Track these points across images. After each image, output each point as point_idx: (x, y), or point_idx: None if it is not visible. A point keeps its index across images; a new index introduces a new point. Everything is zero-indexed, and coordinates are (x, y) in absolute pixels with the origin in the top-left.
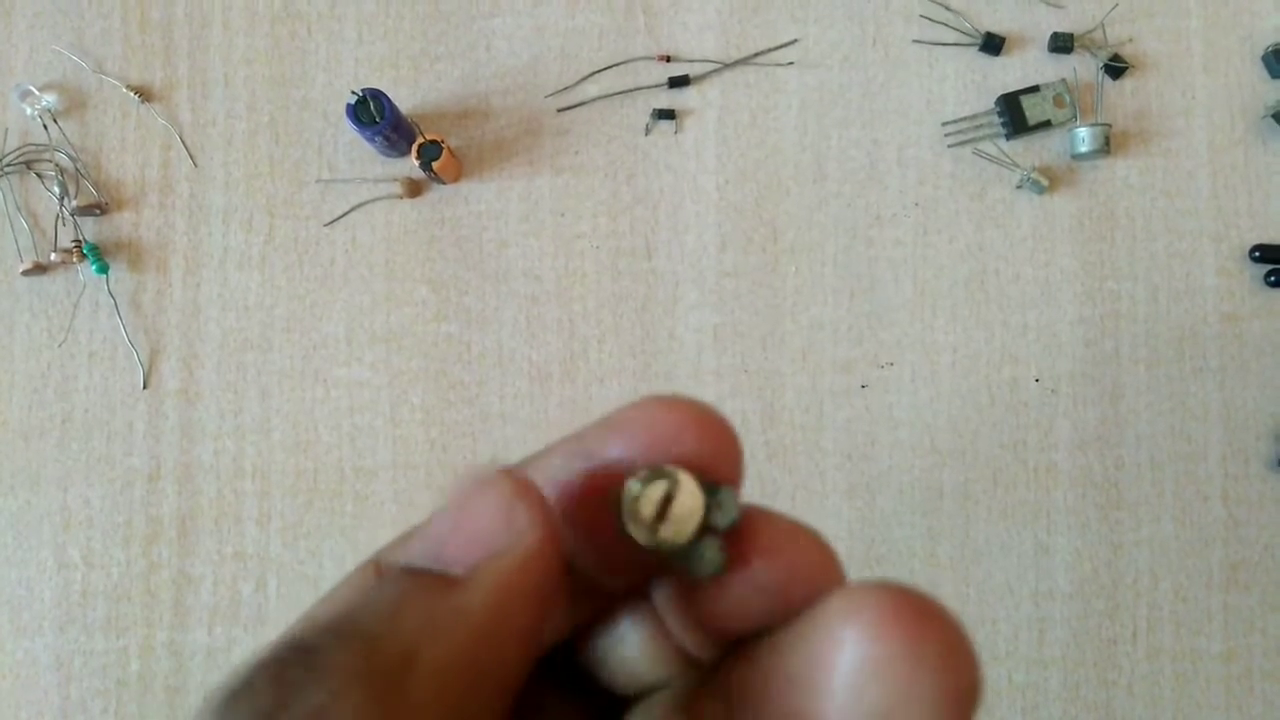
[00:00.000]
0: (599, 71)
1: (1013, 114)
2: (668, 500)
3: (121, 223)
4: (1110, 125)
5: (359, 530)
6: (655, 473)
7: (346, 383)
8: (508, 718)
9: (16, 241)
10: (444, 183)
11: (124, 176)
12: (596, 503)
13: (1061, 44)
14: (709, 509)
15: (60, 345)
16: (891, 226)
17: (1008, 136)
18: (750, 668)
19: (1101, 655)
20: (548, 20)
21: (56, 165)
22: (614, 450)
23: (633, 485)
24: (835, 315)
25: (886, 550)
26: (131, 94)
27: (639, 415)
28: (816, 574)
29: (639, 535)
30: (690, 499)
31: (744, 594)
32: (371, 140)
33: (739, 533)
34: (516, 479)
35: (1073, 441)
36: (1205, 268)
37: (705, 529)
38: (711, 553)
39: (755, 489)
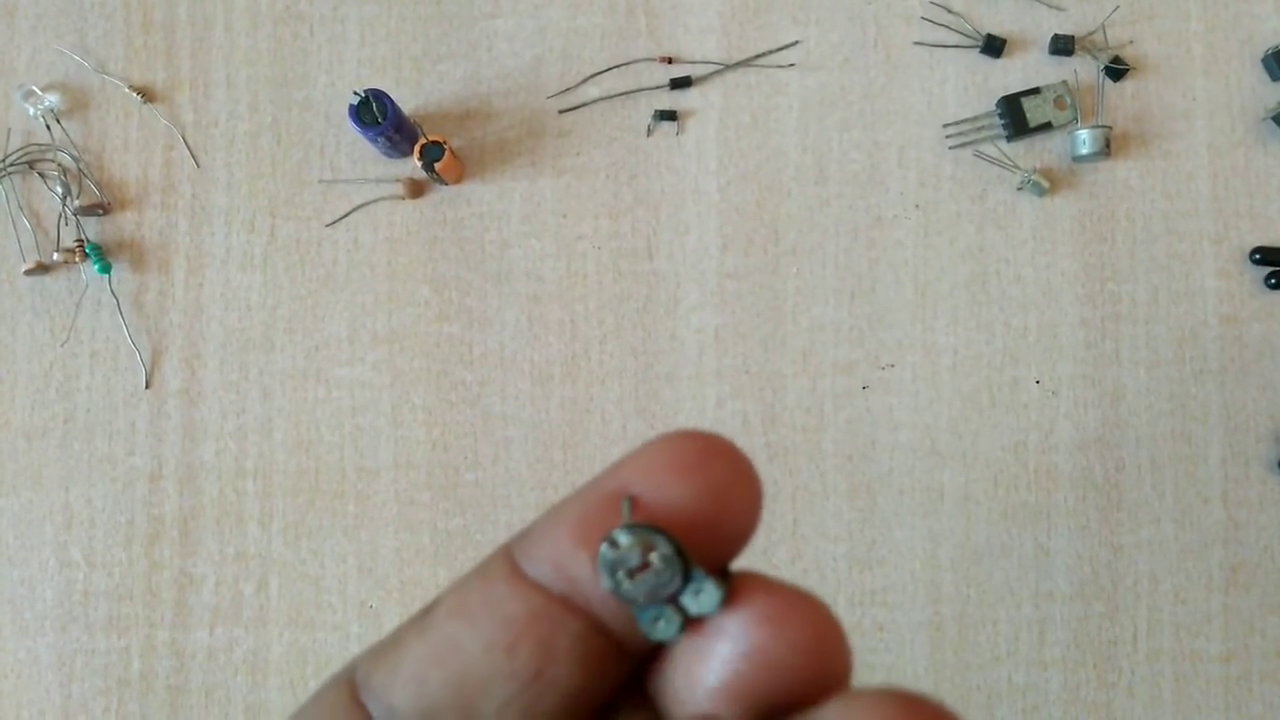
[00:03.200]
0: (601, 73)
1: (1014, 116)
2: (647, 564)
3: (124, 223)
4: (1111, 127)
5: (360, 530)
6: (643, 534)
7: (348, 383)
8: None
9: (19, 241)
10: (446, 183)
11: (126, 176)
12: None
13: (1062, 46)
14: (683, 591)
15: (63, 345)
16: (892, 228)
17: (1009, 138)
18: None
19: (1101, 656)
20: (550, 21)
21: (59, 165)
22: (633, 484)
23: (620, 536)
24: (836, 316)
25: (887, 551)
26: (134, 94)
27: (662, 446)
28: (812, 659)
29: (603, 582)
30: (666, 573)
31: (733, 672)
32: (374, 141)
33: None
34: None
35: (1073, 443)
36: (1206, 270)
37: (674, 604)
38: (668, 621)
39: None
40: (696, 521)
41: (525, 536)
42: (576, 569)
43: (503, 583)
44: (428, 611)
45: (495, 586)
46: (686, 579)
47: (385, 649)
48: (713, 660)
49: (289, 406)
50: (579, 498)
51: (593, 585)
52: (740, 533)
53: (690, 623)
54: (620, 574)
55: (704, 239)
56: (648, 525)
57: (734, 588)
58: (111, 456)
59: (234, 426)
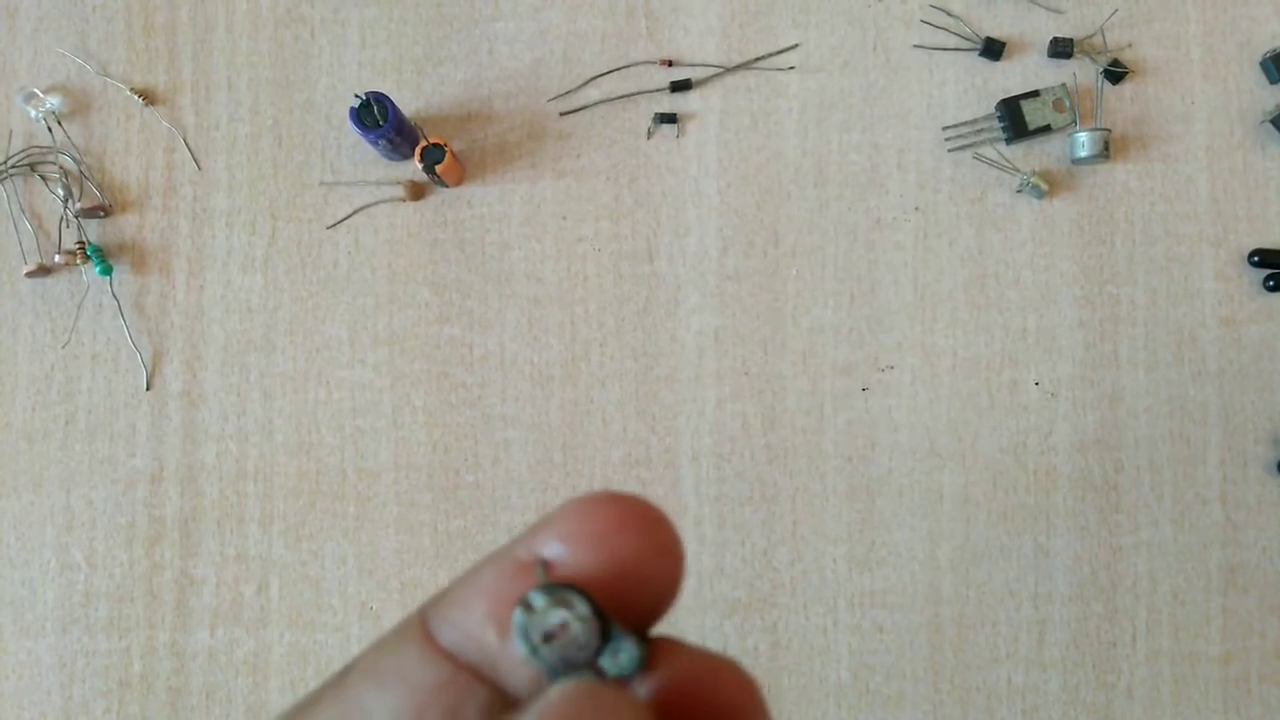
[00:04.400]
0: (601, 75)
1: (1013, 119)
2: (564, 627)
3: (125, 225)
4: (1110, 130)
5: (361, 532)
6: (560, 595)
7: (349, 384)
8: None
9: (20, 243)
10: (446, 186)
11: (128, 179)
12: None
13: (1061, 49)
14: (601, 653)
15: (64, 347)
16: (892, 230)
17: (1008, 141)
18: None
19: (1100, 658)
20: (550, 24)
21: (60, 167)
22: (546, 548)
23: (535, 598)
24: (836, 318)
25: (886, 553)
26: (135, 97)
27: (578, 509)
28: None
29: (518, 646)
30: (582, 638)
31: None
32: (374, 143)
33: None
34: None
35: (1072, 444)
36: (1204, 272)
37: (592, 667)
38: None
39: (756, 492)
40: (614, 586)
41: (440, 600)
42: (486, 638)
43: (414, 648)
44: (343, 673)
45: (407, 651)
46: (605, 639)
47: (301, 710)
48: None
49: (290, 408)
50: (492, 562)
51: (501, 654)
52: (659, 597)
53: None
54: (536, 639)
55: (704, 241)
56: (564, 584)
57: (653, 650)
58: (112, 458)
59: (235, 428)
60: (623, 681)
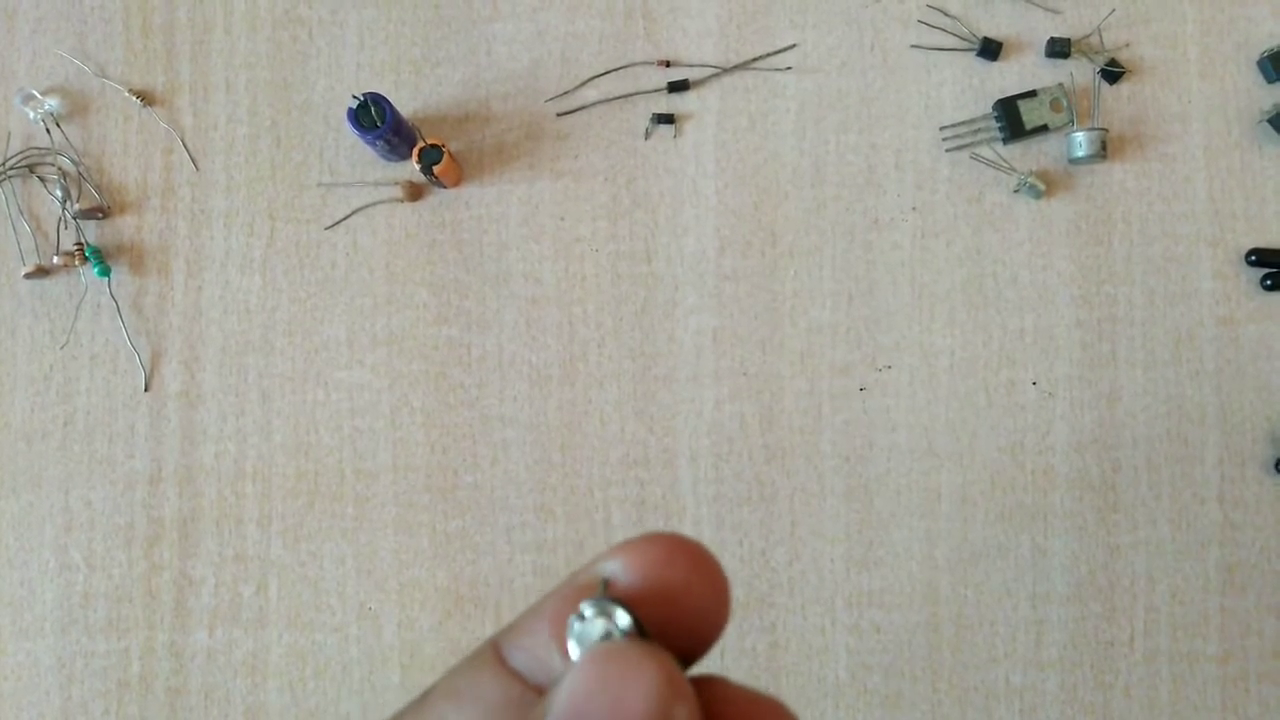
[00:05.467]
0: (599, 76)
1: (1010, 118)
2: (608, 635)
3: (123, 226)
4: (1107, 130)
5: (359, 532)
6: (606, 607)
7: (347, 385)
8: None
9: (19, 244)
10: (445, 186)
11: (126, 180)
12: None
13: (1059, 49)
14: None
15: (62, 348)
16: (889, 230)
17: (1005, 141)
18: None
19: (1098, 657)
20: (548, 25)
21: (59, 169)
22: (608, 568)
23: (586, 608)
24: (833, 318)
25: (884, 552)
26: (133, 98)
27: (636, 543)
28: None
29: (570, 649)
30: None
31: None
32: (372, 144)
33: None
34: (667, 671)
35: (1070, 444)
36: (1201, 271)
37: None
38: None
39: (753, 492)
40: (663, 611)
41: (510, 629)
42: (551, 659)
43: (488, 670)
44: (424, 696)
45: (482, 674)
46: None
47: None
48: None
49: (288, 409)
50: (558, 592)
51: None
52: (706, 627)
53: None
54: (586, 645)
55: (702, 241)
56: (610, 599)
57: (698, 681)
58: (111, 459)
59: (233, 429)
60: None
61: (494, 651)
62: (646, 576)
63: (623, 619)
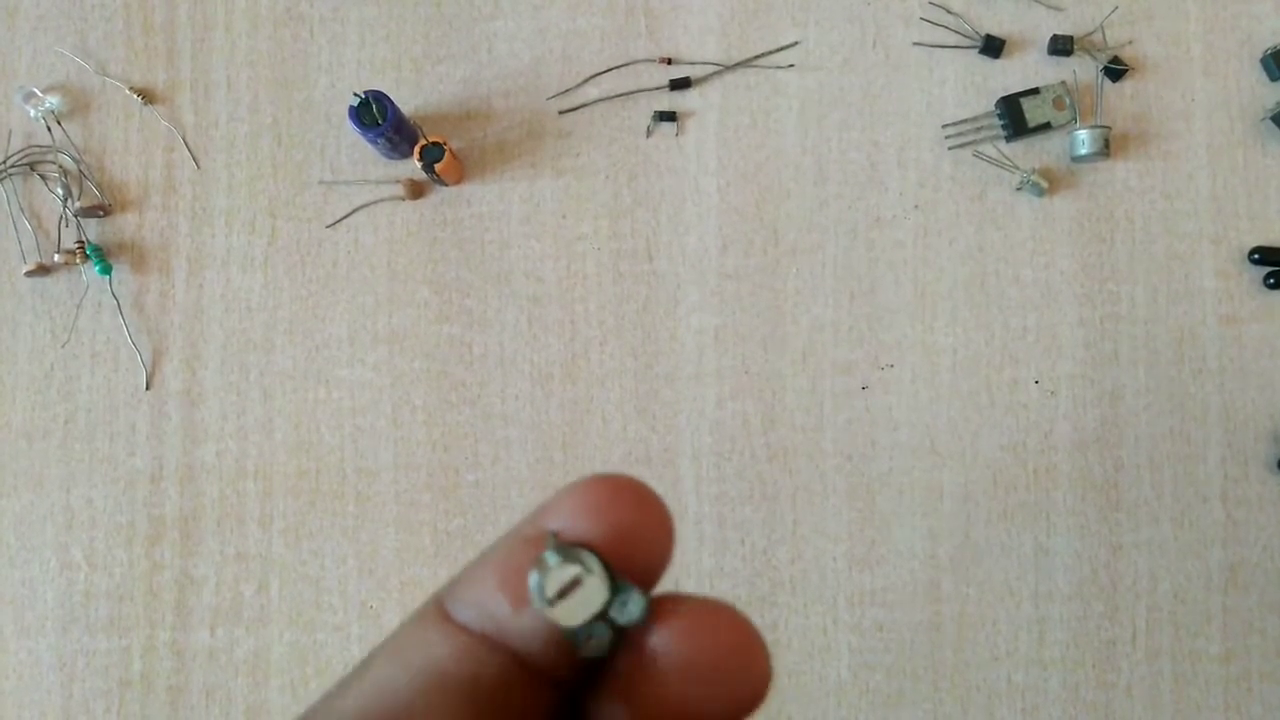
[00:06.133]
0: (600, 74)
1: (1013, 116)
2: (576, 583)
3: (124, 224)
4: (1110, 127)
5: (361, 531)
6: (572, 554)
7: (348, 384)
8: None
9: (20, 243)
10: (446, 184)
11: (127, 178)
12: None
13: (1061, 46)
14: (611, 604)
15: (63, 346)
16: (892, 228)
17: (1008, 139)
18: None
19: (1101, 656)
20: (549, 23)
21: (60, 167)
22: (552, 522)
23: (549, 558)
24: (835, 317)
25: (886, 551)
26: (135, 96)
27: (576, 490)
28: (732, 665)
29: (536, 604)
30: (594, 590)
31: (662, 688)
32: (374, 142)
33: (645, 625)
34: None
35: (1072, 443)
36: (1204, 270)
37: (603, 618)
38: (599, 636)
39: (755, 490)
40: (615, 550)
41: (453, 583)
42: (500, 609)
43: (432, 626)
44: (367, 658)
45: (426, 631)
46: (614, 591)
47: (328, 698)
48: (647, 683)
49: (289, 407)
50: (501, 543)
51: (515, 622)
52: (656, 559)
53: (621, 635)
54: (551, 595)
55: (704, 239)
56: (575, 543)
57: (656, 601)
58: (112, 457)
59: (234, 427)
60: (633, 628)
61: (438, 607)
62: (595, 519)
63: (589, 560)
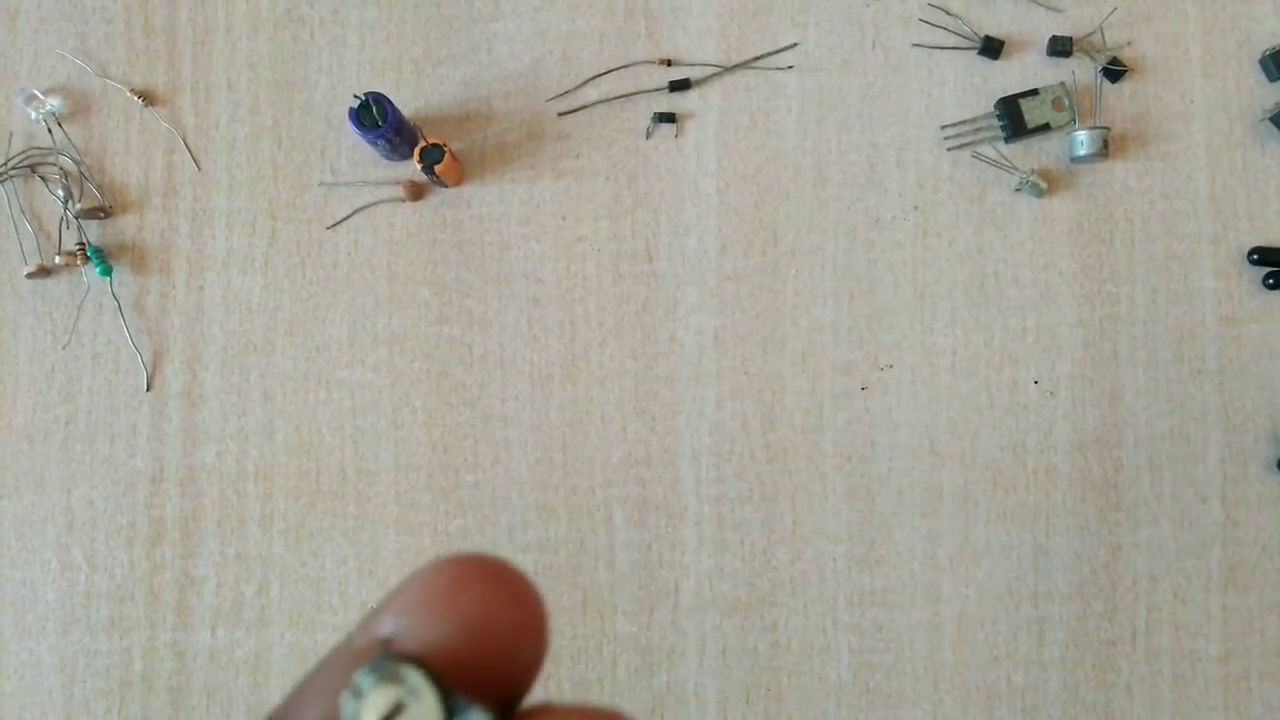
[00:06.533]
0: (600, 75)
1: (1012, 117)
2: (400, 709)
3: (125, 226)
4: (1109, 128)
5: (361, 532)
6: (393, 670)
7: (349, 385)
8: None
9: (21, 244)
10: (446, 186)
11: (128, 180)
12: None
13: (1060, 48)
14: None
15: (64, 348)
16: (891, 229)
17: (1007, 140)
18: None
19: (1100, 656)
20: (549, 24)
21: (60, 169)
22: (384, 625)
23: (364, 679)
24: (835, 318)
25: (886, 552)
26: (135, 98)
27: (416, 579)
28: None
29: None
30: (423, 717)
31: None
32: (374, 144)
33: None
34: None
35: (1072, 443)
36: (1204, 270)
37: None
38: None
39: (755, 491)
40: (466, 656)
41: (277, 713)
42: None
43: None
44: None
45: None
46: (450, 715)
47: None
48: None
49: (290, 408)
50: (328, 661)
51: None
52: (520, 665)
53: None
54: None
55: (703, 241)
56: (394, 657)
57: (523, 715)
58: (113, 459)
59: (235, 428)
60: None
61: None
62: (438, 616)
63: (414, 679)
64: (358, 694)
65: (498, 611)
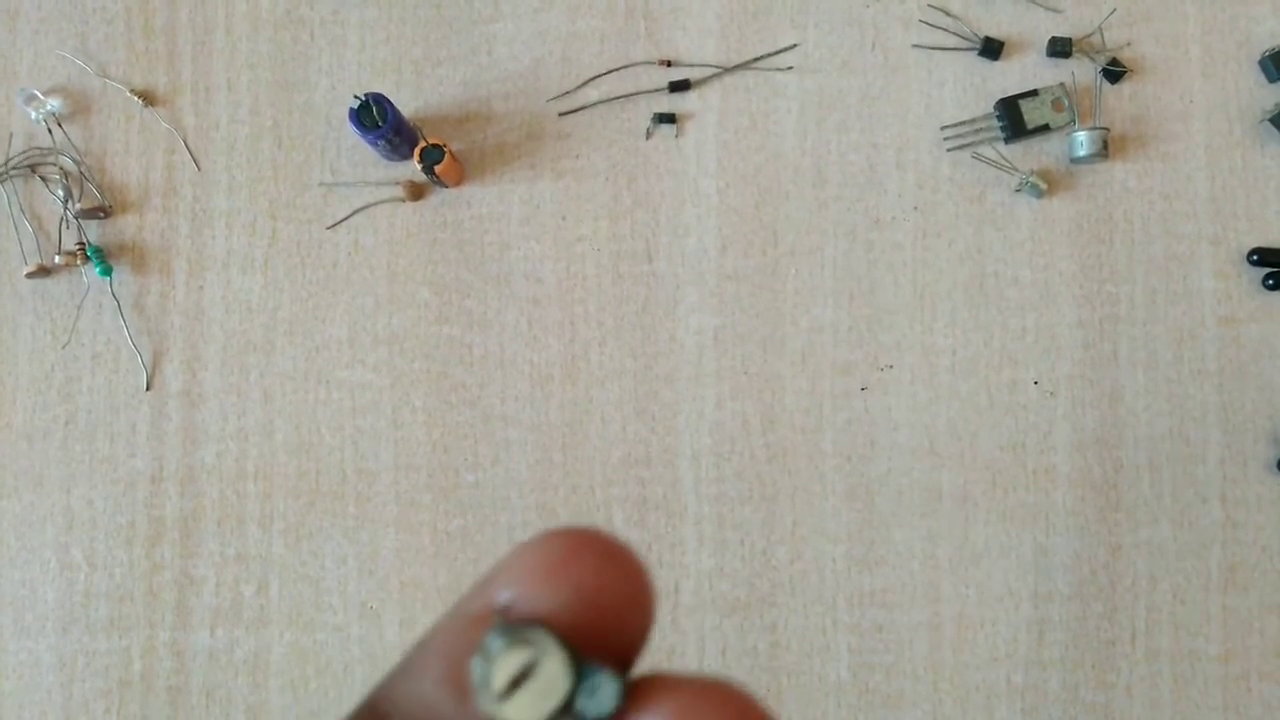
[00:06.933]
0: (600, 76)
1: (1011, 118)
2: (530, 670)
3: (125, 226)
4: (1108, 129)
5: (361, 531)
6: (521, 634)
7: (349, 385)
8: None
9: (21, 244)
10: (446, 186)
11: (128, 180)
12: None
13: (1060, 48)
14: (576, 693)
15: (64, 347)
16: (891, 230)
17: (1006, 140)
18: None
19: (1100, 657)
20: (549, 25)
21: (61, 169)
22: (500, 593)
23: (493, 642)
24: (835, 318)
25: (886, 552)
26: (135, 98)
27: (528, 549)
28: None
29: (483, 704)
30: (554, 678)
31: None
32: (374, 144)
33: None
34: None
35: (1071, 444)
36: (1203, 271)
37: (568, 711)
38: None
39: (755, 491)
40: (579, 622)
41: (389, 678)
42: (443, 706)
43: None
44: None
45: None
46: (579, 677)
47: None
48: None
49: (290, 408)
50: (445, 625)
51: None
52: (632, 631)
53: None
54: (499, 688)
55: (703, 241)
56: (524, 622)
57: (636, 684)
58: (112, 458)
59: (235, 428)
60: None
61: (371, 713)
62: (553, 585)
63: (543, 642)
64: (488, 657)
65: (610, 582)
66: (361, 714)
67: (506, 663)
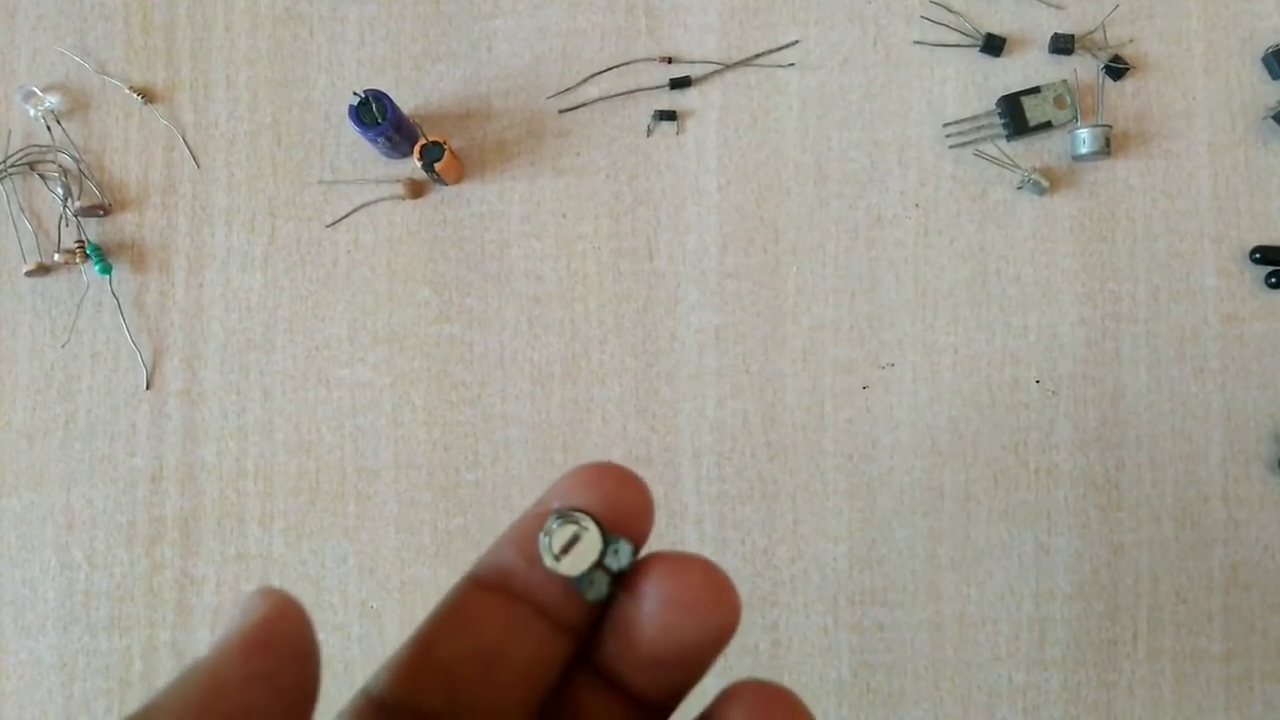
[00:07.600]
0: (600, 73)
1: (1013, 115)
2: (575, 540)
3: (124, 224)
4: (1111, 126)
5: (361, 530)
6: (570, 516)
7: (349, 383)
8: None
9: (20, 242)
10: (446, 184)
11: (127, 177)
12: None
13: (1062, 45)
14: (606, 553)
15: (63, 346)
16: (892, 227)
17: (1008, 137)
18: None
19: (1102, 656)
20: (549, 21)
21: (60, 166)
22: (554, 502)
23: (552, 523)
24: (836, 316)
25: (887, 551)
26: (134, 95)
27: (571, 473)
28: (705, 599)
29: (546, 562)
30: (590, 543)
31: (651, 622)
32: (374, 141)
33: (634, 572)
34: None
35: (1073, 442)
36: (1206, 269)
37: (600, 566)
38: (599, 582)
39: (756, 490)
40: (605, 515)
41: (478, 563)
42: (517, 566)
43: (475, 592)
44: (420, 641)
45: (470, 598)
46: (606, 543)
47: (390, 661)
48: (638, 619)
49: (289, 407)
50: (517, 524)
51: (530, 576)
52: (639, 522)
53: (615, 579)
54: (557, 550)
55: (704, 238)
56: (572, 509)
57: (641, 555)
58: (112, 457)
59: (235, 427)
60: (624, 573)
61: (470, 578)
62: (588, 492)
63: (584, 520)
64: (548, 532)
65: (625, 490)
66: (465, 585)
67: (561, 535)
